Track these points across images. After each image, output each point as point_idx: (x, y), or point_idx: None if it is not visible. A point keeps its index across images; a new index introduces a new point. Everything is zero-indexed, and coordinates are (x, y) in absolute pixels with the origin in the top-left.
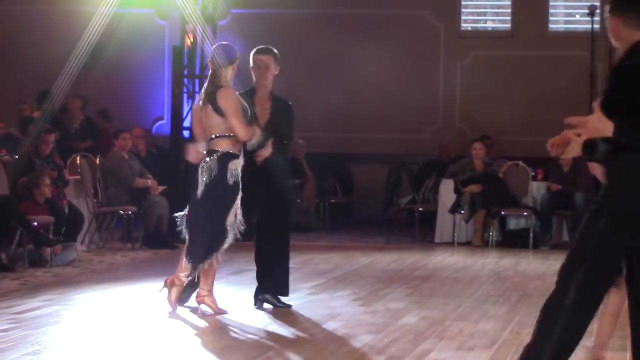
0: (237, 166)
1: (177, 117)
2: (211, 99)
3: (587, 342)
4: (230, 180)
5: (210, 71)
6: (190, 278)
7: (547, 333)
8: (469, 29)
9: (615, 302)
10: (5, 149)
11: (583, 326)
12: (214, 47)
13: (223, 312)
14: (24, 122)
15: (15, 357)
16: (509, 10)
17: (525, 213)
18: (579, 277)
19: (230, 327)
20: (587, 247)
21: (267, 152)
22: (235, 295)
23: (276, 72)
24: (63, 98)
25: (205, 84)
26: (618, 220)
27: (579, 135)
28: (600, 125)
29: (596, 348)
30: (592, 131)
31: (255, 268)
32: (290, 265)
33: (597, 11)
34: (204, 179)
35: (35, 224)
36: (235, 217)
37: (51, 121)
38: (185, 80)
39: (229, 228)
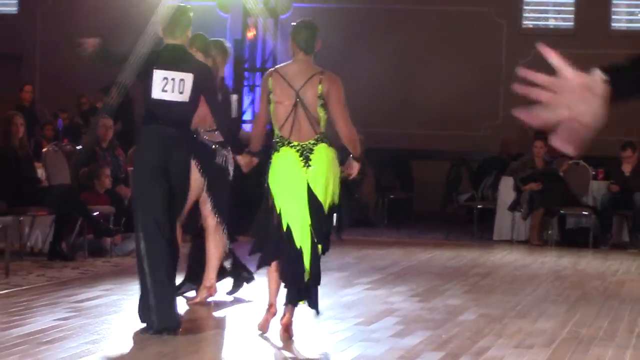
0: None
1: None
2: None
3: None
4: None
5: None
6: None
7: None
8: (531, 26)
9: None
10: (67, 139)
11: None
12: None
13: None
14: (84, 116)
15: (74, 345)
16: (572, 8)
17: (585, 212)
18: None
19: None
20: None
21: None
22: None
23: None
24: (127, 90)
25: None
26: None
27: None
28: None
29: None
30: None
31: None
32: (349, 259)
33: None
34: None
35: (96, 214)
36: None
37: (114, 112)
38: (246, 73)
39: None
